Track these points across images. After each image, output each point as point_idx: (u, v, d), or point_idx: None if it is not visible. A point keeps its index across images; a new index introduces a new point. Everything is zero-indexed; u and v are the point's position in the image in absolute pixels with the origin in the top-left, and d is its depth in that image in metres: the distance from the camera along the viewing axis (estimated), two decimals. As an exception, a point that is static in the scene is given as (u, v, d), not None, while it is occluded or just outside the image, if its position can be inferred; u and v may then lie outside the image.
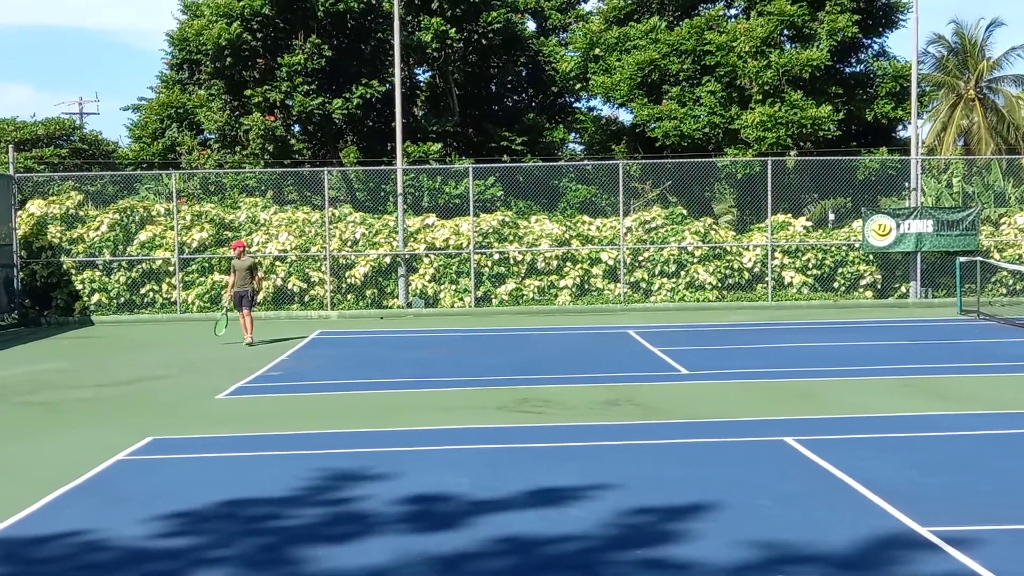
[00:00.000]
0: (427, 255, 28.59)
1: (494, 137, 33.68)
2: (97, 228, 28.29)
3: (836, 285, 28.90)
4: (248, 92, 30.78)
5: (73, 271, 28.18)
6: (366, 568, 7.57)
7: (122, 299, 28.13)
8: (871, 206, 29.43)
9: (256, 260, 22.98)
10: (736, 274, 28.82)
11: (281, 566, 7.66)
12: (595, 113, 37.23)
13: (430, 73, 34.48)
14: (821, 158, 29.81)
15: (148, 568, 7.67)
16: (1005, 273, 28.37)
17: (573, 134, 37.70)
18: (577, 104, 37.87)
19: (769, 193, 28.66)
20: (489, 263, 28.62)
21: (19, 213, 28.43)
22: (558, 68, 35.20)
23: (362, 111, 31.42)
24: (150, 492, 9.80)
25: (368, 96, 31.07)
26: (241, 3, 30.39)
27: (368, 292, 28.58)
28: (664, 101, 31.29)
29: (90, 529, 8.60)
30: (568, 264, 28.77)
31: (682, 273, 28.73)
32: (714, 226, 29.74)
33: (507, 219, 29.06)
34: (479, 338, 22.50)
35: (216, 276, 28.10)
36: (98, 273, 28.13)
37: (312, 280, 28.45)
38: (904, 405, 13.60)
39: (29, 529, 8.71)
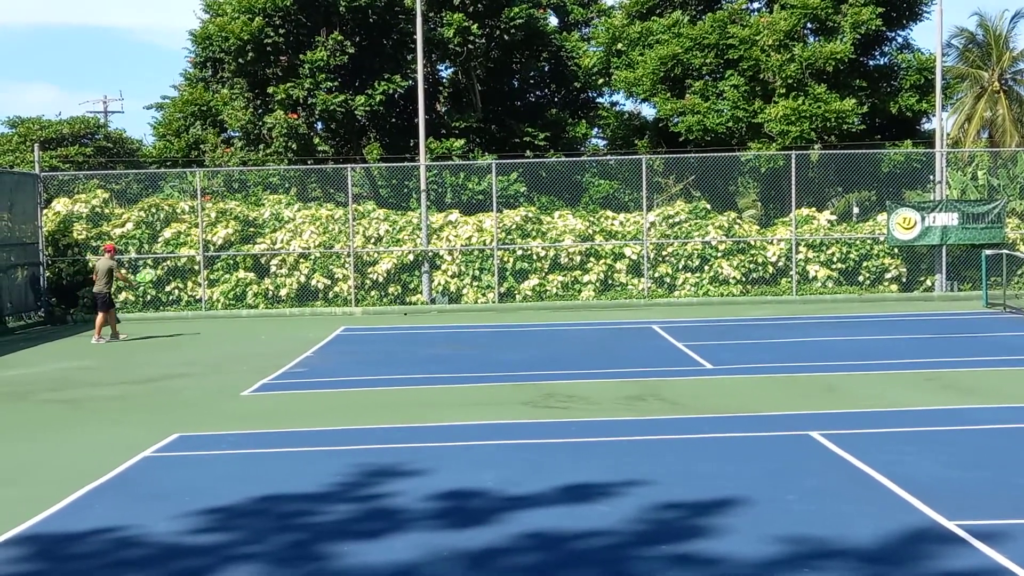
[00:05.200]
0: (450, 251, 28.62)
1: (517, 133, 33.65)
2: (122, 225, 28.42)
3: (861, 279, 28.79)
4: (271, 89, 30.85)
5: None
6: (394, 564, 7.59)
7: (148, 297, 28.26)
8: (896, 199, 29.31)
9: (105, 262, 23.13)
10: (760, 268, 28.75)
11: (310, 562, 7.69)
12: (618, 108, 37.17)
13: (452, 69, 34.50)
14: (845, 151, 29.69)
15: (178, 564, 7.71)
16: (1031, 266, 28.23)
17: (596, 129, 37.64)
18: (600, 99, 37.80)
19: (793, 187, 28.58)
20: (512, 259, 28.62)
21: (45, 212, 28.59)
22: (580, 63, 35.15)
23: (384, 108, 31.45)
24: (178, 488, 9.85)
25: (391, 92, 31.10)
26: (263, -1, 30.46)
27: (391, 289, 28.62)
28: (687, 95, 31.22)
29: (119, 526, 8.65)
30: (591, 259, 28.74)
31: (706, 268, 28.68)
32: (738, 220, 29.67)
33: (530, 215, 29.05)
34: (503, 334, 22.51)
35: (241, 273, 28.20)
36: (124, 271, 28.24)
37: (336, 277, 28.52)
38: (930, 399, 13.55)
39: (58, 526, 8.76)
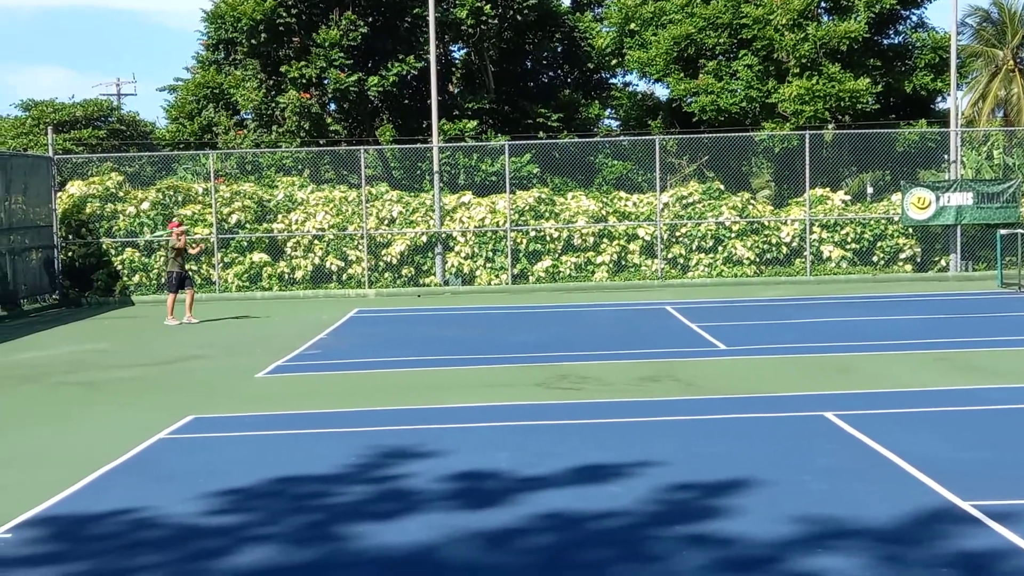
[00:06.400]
0: (463, 233, 28.61)
1: (530, 114, 33.60)
2: (138, 205, 28.40)
3: (875, 259, 28.72)
4: (284, 68, 30.82)
5: (113, 251, 28.37)
6: (410, 545, 7.61)
7: (162, 279, 28.28)
8: (910, 179, 29.20)
9: (174, 239, 22.78)
10: (774, 249, 28.69)
11: (326, 543, 7.71)
12: (631, 88, 37.07)
13: (465, 50, 34.44)
14: (859, 131, 29.59)
15: (195, 545, 7.73)
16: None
17: (609, 110, 37.55)
18: (613, 80, 37.70)
19: (807, 167, 28.48)
20: (525, 240, 28.61)
21: (59, 195, 28.64)
22: (593, 44, 35.03)
23: (397, 89, 31.41)
24: (193, 470, 9.89)
25: (404, 73, 31.07)
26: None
27: (405, 270, 28.65)
28: (700, 75, 31.12)
29: (135, 507, 8.69)
30: (605, 240, 28.71)
31: (720, 248, 28.63)
32: (752, 201, 29.58)
33: (543, 196, 29.01)
34: (516, 315, 22.53)
35: (256, 256, 28.24)
36: (138, 254, 28.30)
37: (349, 259, 28.54)
38: (944, 379, 13.52)
39: (75, 507, 8.80)
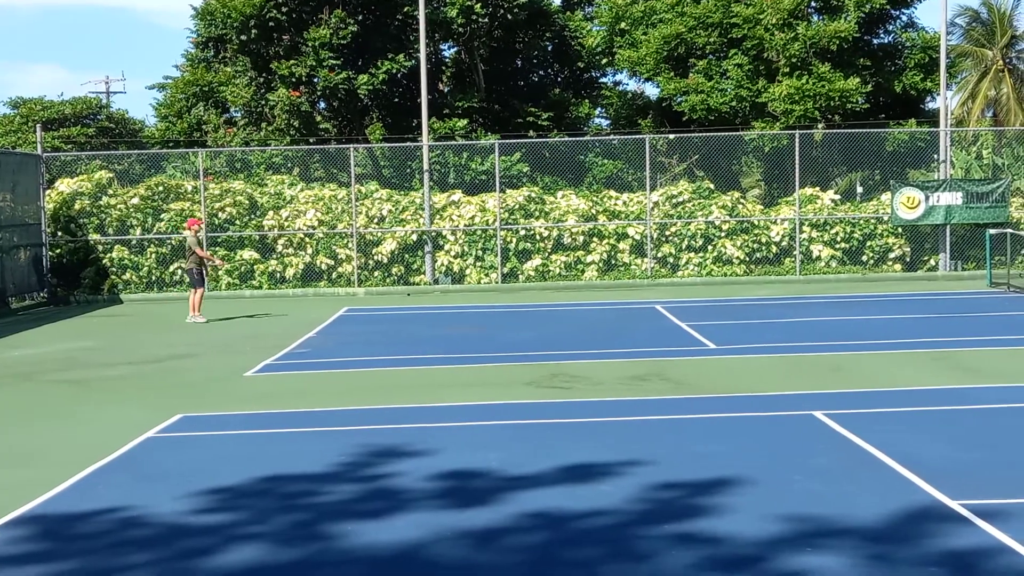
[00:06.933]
0: (453, 232, 28.60)
1: (520, 113, 33.59)
2: (127, 201, 28.31)
3: (864, 258, 28.76)
4: (273, 65, 30.78)
5: (100, 249, 28.29)
6: (397, 543, 7.60)
7: (152, 277, 28.24)
8: (900, 178, 29.23)
9: (192, 239, 22.64)
10: (764, 248, 28.71)
11: (314, 542, 7.70)
12: (621, 88, 37.09)
13: (455, 49, 34.43)
14: (849, 131, 29.62)
15: (182, 544, 7.72)
16: (1035, 245, 28.17)
17: (599, 109, 37.57)
18: (603, 79, 37.71)
19: (797, 166, 28.51)
20: (515, 239, 28.60)
21: (48, 192, 28.56)
22: (584, 43, 35.05)
23: (387, 87, 31.39)
24: (181, 469, 9.87)
25: (394, 72, 31.05)
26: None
27: (395, 269, 28.62)
28: (691, 75, 31.13)
29: (124, 506, 8.67)
30: (595, 239, 28.71)
31: (709, 247, 28.65)
32: (741, 200, 29.61)
33: (533, 195, 29.02)
34: (506, 314, 22.51)
35: (246, 254, 28.18)
36: (127, 252, 28.22)
37: (339, 257, 28.51)
38: (933, 379, 13.54)
39: (63, 506, 8.78)
